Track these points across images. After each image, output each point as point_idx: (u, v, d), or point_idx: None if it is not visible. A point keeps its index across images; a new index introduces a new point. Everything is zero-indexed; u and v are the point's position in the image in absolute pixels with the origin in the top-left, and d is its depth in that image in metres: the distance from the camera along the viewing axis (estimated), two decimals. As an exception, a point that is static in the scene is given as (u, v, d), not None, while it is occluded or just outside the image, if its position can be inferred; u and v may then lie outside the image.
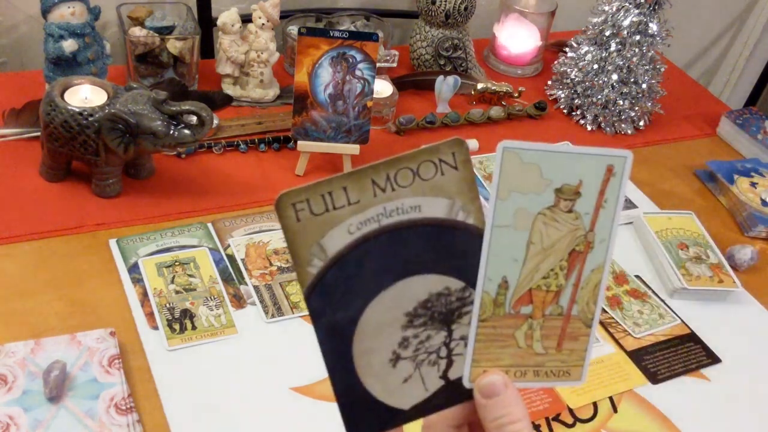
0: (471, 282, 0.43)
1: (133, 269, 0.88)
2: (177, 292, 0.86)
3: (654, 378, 0.87)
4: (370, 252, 0.42)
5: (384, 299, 0.42)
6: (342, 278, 0.42)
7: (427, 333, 0.43)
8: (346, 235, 0.41)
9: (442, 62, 1.32)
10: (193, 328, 0.83)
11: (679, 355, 0.90)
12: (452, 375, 0.44)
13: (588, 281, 0.44)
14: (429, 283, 0.43)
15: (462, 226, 0.43)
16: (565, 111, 1.31)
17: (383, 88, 1.18)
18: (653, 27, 1.22)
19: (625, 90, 1.25)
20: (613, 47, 1.23)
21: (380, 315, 0.42)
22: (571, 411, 0.82)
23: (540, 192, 0.42)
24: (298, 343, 0.84)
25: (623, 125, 1.28)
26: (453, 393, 0.44)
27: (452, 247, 0.43)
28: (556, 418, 0.81)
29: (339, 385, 0.44)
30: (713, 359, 0.91)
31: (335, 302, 0.42)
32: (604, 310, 0.94)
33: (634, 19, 1.21)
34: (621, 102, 1.26)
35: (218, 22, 1.14)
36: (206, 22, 1.30)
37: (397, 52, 1.29)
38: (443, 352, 0.44)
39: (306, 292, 0.41)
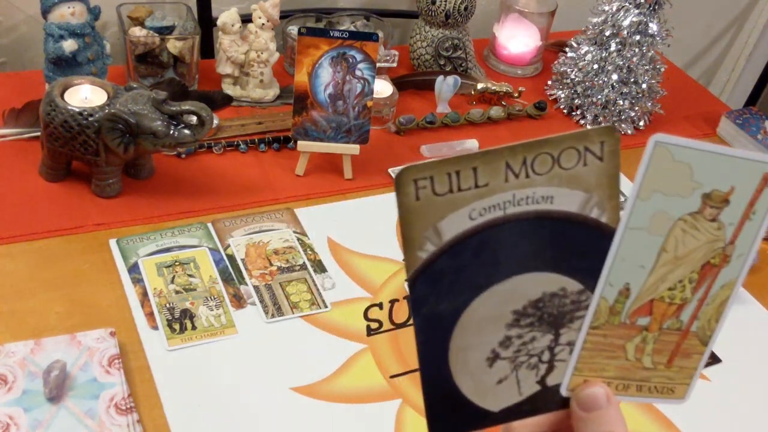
0: (590, 285, 0.39)
1: (133, 269, 0.88)
2: (177, 292, 0.86)
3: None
4: (488, 242, 0.38)
5: (493, 294, 0.39)
6: (453, 267, 0.38)
7: (532, 334, 0.41)
8: (467, 220, 0.38)
9: (442, 62, 1.32)
10: (193, 328, 0.83)
11: (679, 355, 0.90)
12: (550, 381, 0.42)
13: (715, 297, 0.41)
14: (545, 281, 0.40)
15: (593, 224, 0.39)
16: (565, 111, 1.31)
17: (383, 88, 1.18)
18: (653, 27, 1.22)
19: (625, 90, 1.25)
20: (613, 47, 1.23)
21: (486, 311, 0.40)
22: (571, 411, 0.82)
23: (686, 195, 0.38)
24: (298, 343, 0.84)
25: (623, 125, 1.28)
26: (546, 400, 0.42)
27: (578, 245, 0.39)
28: (556, 418, 0.81)
29: (429, 379, 0.41)
30: (713, 359, 0.91)
31: (441, 292, 0.39)
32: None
33: (634, 19, 1.21)
34: (621, 102, 1.26)
35: (218, 22, 1.14)
36: (206, 22, 1.30)
37: (397, 52, 1.29)
38: (546, 357, 0.41)
39: (411, 277, 0.39)
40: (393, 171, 1.10)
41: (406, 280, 0.40)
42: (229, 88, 1.18)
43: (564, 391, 0.41)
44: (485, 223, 0.38)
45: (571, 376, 0.41)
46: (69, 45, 1.02)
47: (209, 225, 0.96)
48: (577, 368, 0.41)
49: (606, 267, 0.39)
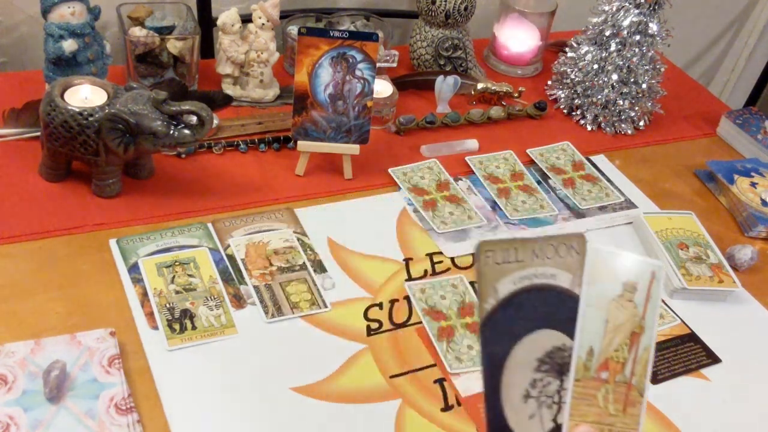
0: None
1: (133, 269, 0.88)
2: (177, 292, 0.86)
3: (654, 378, 0.87)
4: (524, 302, 0.53)
5: (527, 343, 0.53)
6: (504, 318, 0.53)
7: (548, 379, 0.54)
8: (512, 285, 0.53)
9: (442, 62, 1.32)
10: (193, 328, 0.83)
11: (679, 355, 0.90)
12: (559, 420, 0.53)
13: (641, 358, 0.54)
14: (555, 337, 0.54)
15: (578, 298, 0.53)
16: (565, 111, 1.31)
17: (383, 88, 1.18)
18: (653, 27, 1.22)
19: (625, 90, 1.25)
20: (613, 47, 1.23)
21: (522, 356, 0.53)
22: (571, 411, 0.82)
23: (613, 283, 0.53)
24: (298, 343, 0.84)
25: (623, 125, 1.28)
26: None
27: (571, 313, 0.53)
28: (556, 418, 0.81)
29: (488, 409, 0.53)
30: (713, 359, 0.91)
31: (497, 337, 0.53)
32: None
33: (634, 19, 1.21)
34: (621, 102, 1.26)
35: (218, 22, 1.14)
36: (206, 22, 1.30)
37: (397, 52, 1.29)
38: (557, 399, 0.54)
39: (482, 322, 0.53)
40: (393, 171, 1.10)
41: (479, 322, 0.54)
42: (229, 88, 1.18)
43: None
44: (522, 289, 0.53)
45: (568, 421, 0.53)
46: (69, 45, 1.02)
47: (209, 225, 0.96)
48: (570, 414, 0.53)
49: (576, 334, 0.53)
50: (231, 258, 0.92)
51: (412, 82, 1.29)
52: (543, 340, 0.53)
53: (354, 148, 1.05)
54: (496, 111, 1.24)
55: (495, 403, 0.52)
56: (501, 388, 0.53)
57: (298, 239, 0.96)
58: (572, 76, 1.28)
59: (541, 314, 0.54)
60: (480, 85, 1.27)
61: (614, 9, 1.22)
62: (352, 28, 1.31)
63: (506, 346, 0.53)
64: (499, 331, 0.53)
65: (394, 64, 1.29)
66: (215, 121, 1.10)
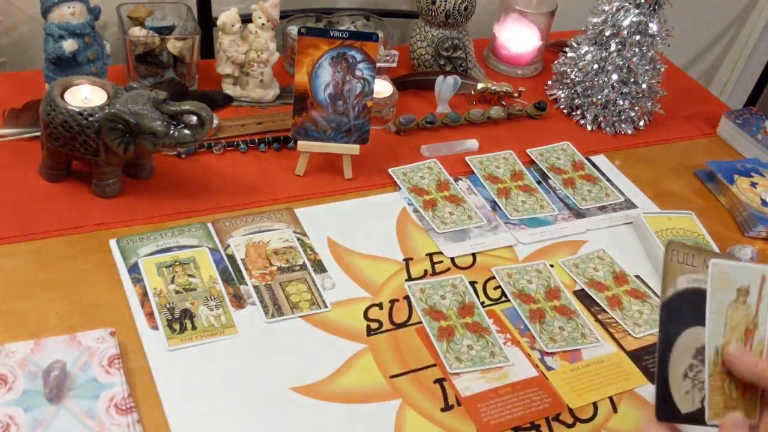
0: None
1: (133, 269, 0.88)
2: (177, 292, 0.86)
3: (654, 378, 0.87)
4: (691, 299, 0.64)
5: (689, 333, 0.63)
6: (678, 307, 0.63)
7: (700, 368, 0.63)
8: (686, 282, 0.64)
9: (442, 62, 1.32)
10: (193, 328, 0.83)
11: (679, 355, 0.90)
12: (705, 404, 0.63)
13: (756, 350, 0.65)
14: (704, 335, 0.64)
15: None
16: (565, 111, 1.31)
17: (383, 88, 1.18)
18: (653, 27, 1.22)
19: (625, 90, 1.25)
20: (613, 47, 1.23)
21: (686, 342, 0.63)
22: (571, 411, 0.82)
23: (729, 289, 0.64)
24: (298, 343, 0.84)
25: (623, 125, 1.28)
26: (701, 416, 0.63)
27: None
28: (556, 418, 0.81)
29: (659, 377, 0.62)
30: (713, 359, 0.91)
31: (671, 320, 0.63)
32: (604, 311, 0.94)
33: (634, 19, 1.21)
34: (621, 102, 1.26)
35: (218, 22, 1.14)
36: (206, 22, 1.30)
37: (397, 52, 1.29)
38: (704, 386, 0.63)
39: (660, 305, 0.63)
40: (393, 171, 1.10)
41: (660, 305, 0.64)
42: (229, 88, 1.18)
43: (707, 420, 0.63)
44: (692, 288, 0.64)
45: (708, 409, 0.63)
46: (69, 45, 1.02)
47: (209, 225, 0.96)
48: (708, 403, 0.63)
49: (706, 337, 0.63)
50: (231, 258, 0.92)
51: (412, 82, 1.29)
52: (700, 335, 0.63)
53: (354, 148, 1.05)
54: (496, 111, 1.24)
55: (664, 372, 0.63)
56: (669, 362, 0.63)
57: (298, 239, 0.96)
58: (572, 76, 1.28)
59: (702, 314, 0.64)
60: (480, 85, 1.27)
61: (614, 9, 1.22)
62: (352, 28, 1.31)
63: (677, 329, 0.63)
64: (672, 316, 0.63)
65: (394, 64, 1.29)
66: (215, 121, 1.10)
